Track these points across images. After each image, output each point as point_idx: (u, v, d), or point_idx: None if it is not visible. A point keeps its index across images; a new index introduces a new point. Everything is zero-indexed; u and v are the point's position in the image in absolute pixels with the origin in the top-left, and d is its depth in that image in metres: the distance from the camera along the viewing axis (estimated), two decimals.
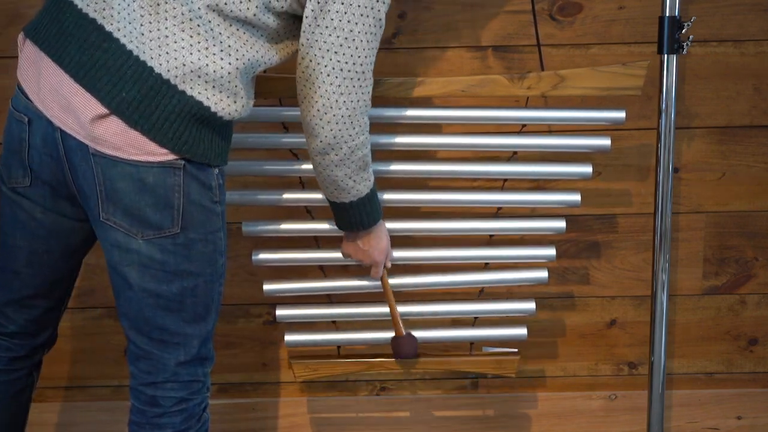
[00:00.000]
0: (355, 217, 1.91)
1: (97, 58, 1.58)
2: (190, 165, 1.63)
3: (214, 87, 1.61)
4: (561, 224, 2.18)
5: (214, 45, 1.61)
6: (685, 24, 2.09)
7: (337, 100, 1.69)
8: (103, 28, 1.59)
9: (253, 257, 2.18)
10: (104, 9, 1.60)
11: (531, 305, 2.22)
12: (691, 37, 2.09)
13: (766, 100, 2.33)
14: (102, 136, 1.58)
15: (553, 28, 2.27)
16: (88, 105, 1.59)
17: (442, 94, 2.10)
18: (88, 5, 1.61)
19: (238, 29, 1.64)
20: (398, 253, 2.15)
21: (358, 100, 1.71)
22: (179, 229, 1.65)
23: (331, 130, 1.71)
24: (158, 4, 1.59)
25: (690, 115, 2.33)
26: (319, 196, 2.16)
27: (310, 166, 2.14)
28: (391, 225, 2.15)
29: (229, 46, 1.62)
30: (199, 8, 1.60)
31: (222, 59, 1.62)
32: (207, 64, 1.60)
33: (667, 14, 2.09)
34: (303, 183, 2.19)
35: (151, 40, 1.58)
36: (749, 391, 2.48)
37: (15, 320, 1.83)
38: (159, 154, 1.60)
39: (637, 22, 2.27)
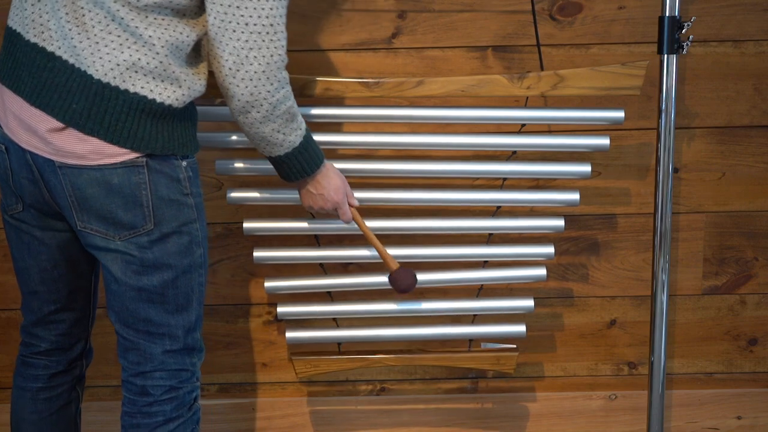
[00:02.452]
0: (295, 166, 1.87)
1: (45, 78, 1.66)
2: (153, 161, 1.68)
3: (153, 78, 1.66)
4: (560, 223, 2.18)
5: (139, 37, 1.65)
6: (685, 24, 2.09)
7: (247, 56, 1.67)
8: (45, 50, 1.67)
9: (254, 255, 2.18)
10: (43, 32, 1.67)
11: (530, 302, 2.22)
12: (691, 37, 2.10)
13: (766, 100, 2.33)
14: (64, 148, 1.66)
15: (553, 28, 2.27)
16: (45, 123, 1.66)
17: (442, 94, 2.10)
18: (28, 32, 1.69)
19: (156, 17, 1.66)
20: (399, 252, 2.16)
21: (271, 55, 1.68)
22: (152, 225, 1.70)
23: (246, 87, 1.69)
24: (83, 15, 1.65)
25: (690, 115, 2.33)
26: None
27: None
28: (391, 224, 2.16)
29: (150, 36, 1.65)
30: (110, 7, 1.64)
31: (150, 50, 1.65)
32: (139, 59, 1.64)
33: (667, 14, 2.09)
34: None
35: (83, 50, 1.64)
36: (749, 391, 2.48)
37: (46, 338, 1.90)
38: (119, 155, 1.66)
39: (637, 22, 2.27)
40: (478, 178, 2.30)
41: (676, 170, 2.35)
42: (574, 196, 2.17)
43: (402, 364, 2.26)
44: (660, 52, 2.11)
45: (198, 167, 1.79)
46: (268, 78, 1.69)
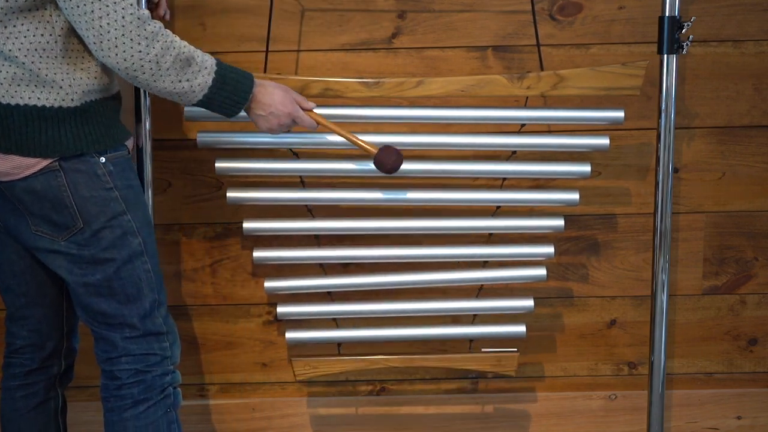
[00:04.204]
0: (226, 102, 1.83)
1: None
2: (67, 162, 1.74)
3: (36, 86, 1.72)
4: (559, 222, 2.19)
5: (1, 54, 1.71)
6: (685, 24, 2.09)
7: (101, 26, 1.66)
8: None
9: (254, 255, 2.18)
10: None
11: (529, 302, 2.23)
12: (690, 37, 2.10)
13: (766, 100, 2.33)
14: None
15: (553, 28, 2.27)
16: None
17: (442, 94, 2.10)
18: None
19: (14, 27, 1.70)
20: (399, 252, 2.16)
21: (123, 17, 1.67)
22: (82, 224, 1.77)
23: (117, 55, 1.68)
24: None
25: (690, 115, 2.33)
26: (319, 195, 2.16)
27: (310, 166, 2.15)
28: (391, 224, 2.16)
29: (10, 49, 1.70)
30: None
31: (16, 62, 1.70)
32: (15, 72, 1.71)
33: (667, 14, 2.09)
34: (303, 182, 2.20)
35: None
36: (749, 391, 2.48)
37: (19, 334, 1.96)
38: (35, 164, 1.73)
39: (637, 22, 2.27)
40: (478, 178, 2.30)
41: (676, 170, 2.35)
42: (574, 196, 2.18)
43: (401, 365, 2.26)
44: (660, 52, 2.11)
45: (126, 160, 1.82)
46: (131, 39, 1.68)
